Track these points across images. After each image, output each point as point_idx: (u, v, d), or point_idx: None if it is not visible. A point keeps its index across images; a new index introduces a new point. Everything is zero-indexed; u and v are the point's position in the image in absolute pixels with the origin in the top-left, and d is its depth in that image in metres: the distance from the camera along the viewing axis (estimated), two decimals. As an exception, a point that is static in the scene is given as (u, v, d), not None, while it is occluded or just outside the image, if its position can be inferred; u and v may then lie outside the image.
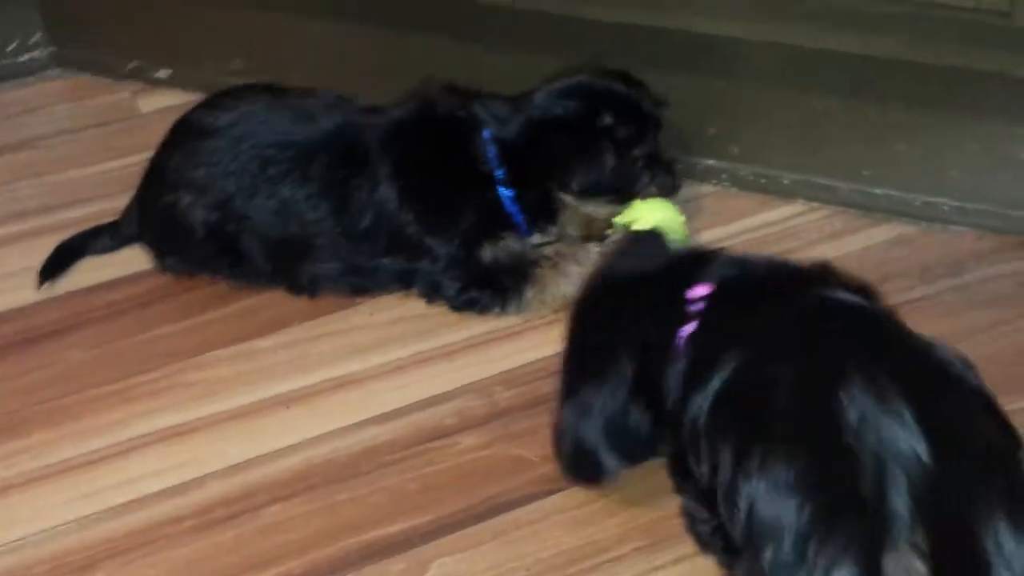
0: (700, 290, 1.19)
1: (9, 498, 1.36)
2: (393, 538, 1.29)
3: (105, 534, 1.31)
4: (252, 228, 1.55)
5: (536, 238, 1.60)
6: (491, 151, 1.55)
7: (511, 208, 1.56)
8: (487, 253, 1.56)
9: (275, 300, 1.61)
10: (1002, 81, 1.49)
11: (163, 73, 2.02)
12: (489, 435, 1.40)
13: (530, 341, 1.52)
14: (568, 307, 1.37)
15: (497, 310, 1.56)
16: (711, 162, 1.73)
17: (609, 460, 1.25)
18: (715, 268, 1.22)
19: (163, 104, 1.98)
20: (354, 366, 1.51)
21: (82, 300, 1.63)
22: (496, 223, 1.56)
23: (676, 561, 1.24)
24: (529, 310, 1.56)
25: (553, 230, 1.60)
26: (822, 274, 1.18)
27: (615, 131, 1.54)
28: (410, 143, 1.55)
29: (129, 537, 1.30)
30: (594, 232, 1.58)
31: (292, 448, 1.40)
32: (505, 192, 1.56)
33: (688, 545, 1.25)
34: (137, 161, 1.83)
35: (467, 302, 1.56)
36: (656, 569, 1.24)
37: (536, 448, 1.37)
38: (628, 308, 1.25)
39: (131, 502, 1.34)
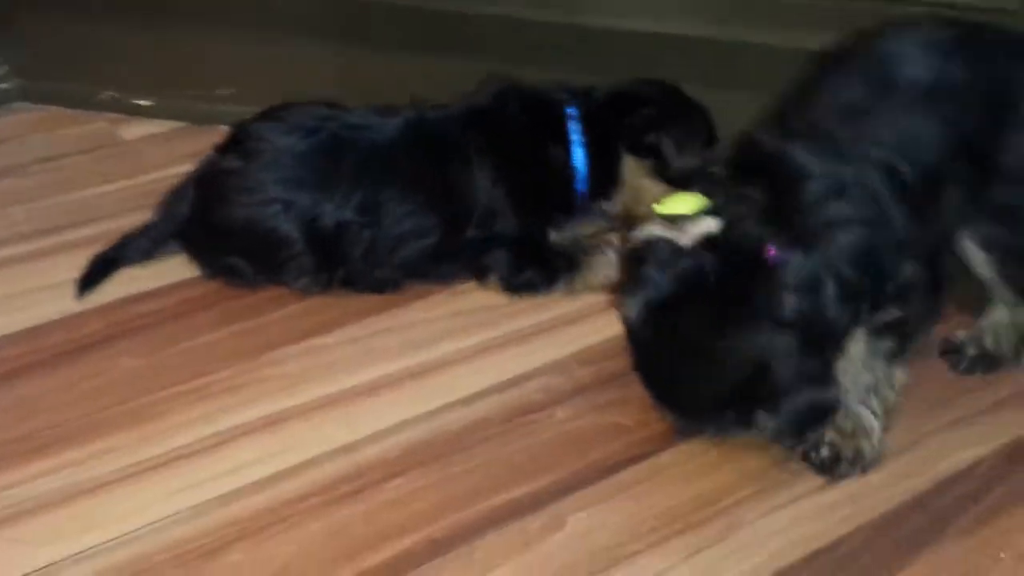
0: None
1: (111, 493, 1.30)
2: (520, 501, 1.31)
3: (228, 517, 1.27)
4: (351, 231, 1.57)
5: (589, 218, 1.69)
6: (574, 126, 1.63)
7: (581, 184, 1.64)
8: (552, 236, 1.62)
9: (324, 304, 1.61)
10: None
11: (144, 101, 1.99)
12: (580, 406, 1.45)
13: (592, 325, 1.58)
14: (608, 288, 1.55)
15: (544, 289, 1.63)
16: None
17: None
18: None
19: (146, 132, 1.95)
20: (425, 355, 1.52)
21: (123, 310, 1.58)
22: (566, 204, 1.63)
23: (793, 500, 1.32)
24: (573, 290, 1.64)
25: (610, 204, 1.68)
26: None
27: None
28: (492, 125, 1.61)
29: (257, 517, 1.27)
30: (639, 210, 1.65)
31: (391, 430, 1.40)
32: (580, 166, 1.64)
33: (800, 486, 1.33)
34: (132, 185, 1.82)
35: (523, 282, 1.63)
36: (777, 508, 1.31)
37: (629, 415, 1.43)
38: None
39: (245, 487, 1.31)
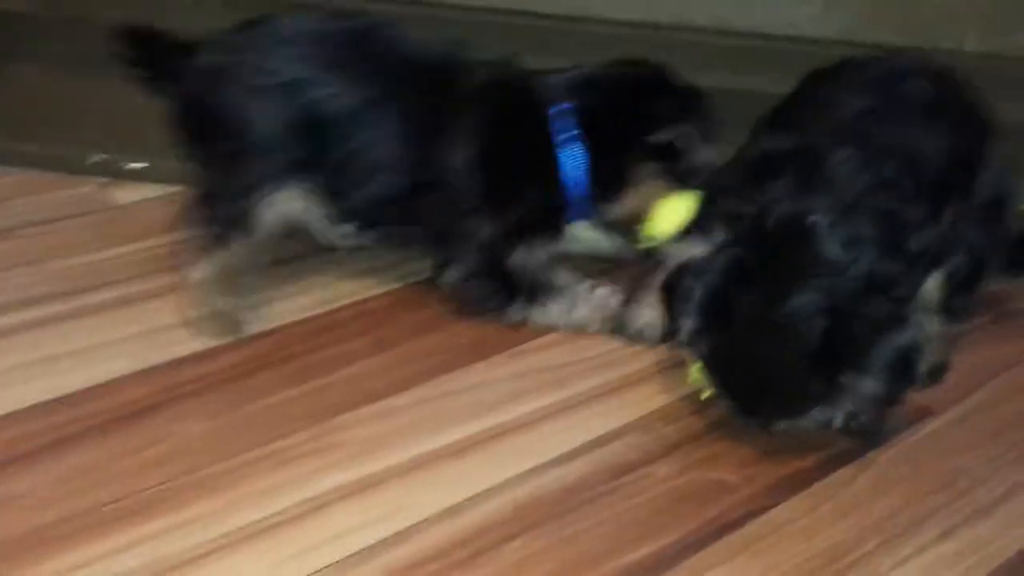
0: None
1: (203, 568, 1.17)
2: (645, 561, 1.24)
3: (350, 587, 1.14)
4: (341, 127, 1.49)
5: (581, 227, 1.61)
6: (563, 124, 1.53)
7: (576, 186, 1.54)
8: (519, 255, 1.55)
9: (386, 364, 1.50)
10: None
11: (136, 165, 1.85)
12: (678, 464, 1.39)
13: (662, 383, 1.52)
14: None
15: (493, 311, 1.57)
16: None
17: None
18: None
19: (141, 195, 1.82)
20: (502, 416, 1.44)
21: (167, 375, 1.43)
22: (552, 219, 1.57)
23: (918, 551, 1.29)
24: (535, 320, 1.58)
25: (615, 209, 1.58)
26: None
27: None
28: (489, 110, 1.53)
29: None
30: (638, 217, 1.58)
31: (491, 491, 1.31)
32: (574, 165, 1.54)
33: (919, 536, 1.30)
34: (137, 249, 1.70)
35: (475, 294, 1.56)
36: (905, 559, 1.28)
37: (731, 471, 1.38)
38: None
39: (354, 555, 1.19)
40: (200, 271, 1.52)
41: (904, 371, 1.31)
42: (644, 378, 1.54)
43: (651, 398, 1.50)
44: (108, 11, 1.71)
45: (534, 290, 1.58)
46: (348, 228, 1.57)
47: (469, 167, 1.51)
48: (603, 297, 1.60)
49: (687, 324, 1.36)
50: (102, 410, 1.37)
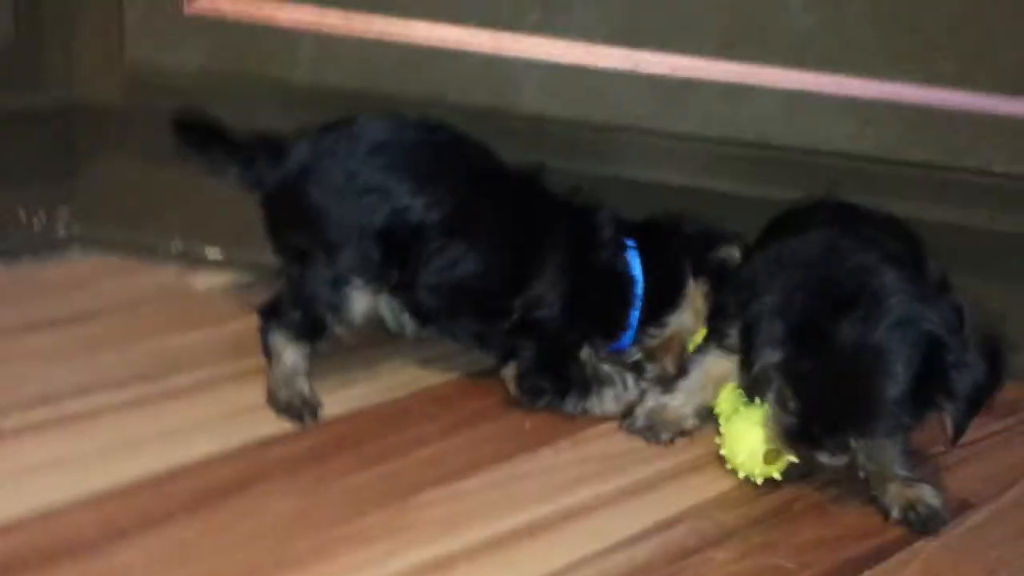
0: None
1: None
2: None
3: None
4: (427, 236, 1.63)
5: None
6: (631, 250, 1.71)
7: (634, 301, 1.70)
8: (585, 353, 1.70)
9: (457, 448, 1.59)
10: None
11: (213, 253, 1.96)
12: (737, 550, 1.47)
13: (714, 473, 1.60)
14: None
15: (550, 401, 1.68)
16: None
17: None
18: None
19: (217, 282, 1.92)
20: (568, 500, 1.52)
21: (253, 455, 1.52)
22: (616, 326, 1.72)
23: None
24: (592, 411, 1.69)
25: (670, 320, 1.73)
26: None
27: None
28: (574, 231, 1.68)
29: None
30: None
31: (560, 572, 1.38)
32: (638, 289, 1.70)
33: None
34: (217, 333, 1.78)
35: (534, 386, 1.68)
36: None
37: (788, 557, 1.46)
38: None
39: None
40: (289, 359, 1.62)
41: (989, 393, 1.46)
42: (699, 466, 1.63)
43: (708, 485, 1.58)
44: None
45: (587, 383, 1.69)
46: (419, 323, 1.68)
47: (559, 294, 1.65)
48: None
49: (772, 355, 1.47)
50: (194, 488, 1.45)
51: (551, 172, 1.70)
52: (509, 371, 1.70)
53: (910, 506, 1.53)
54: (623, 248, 1.71)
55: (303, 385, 1.63)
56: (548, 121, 1.79)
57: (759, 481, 1.56)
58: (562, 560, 1.40)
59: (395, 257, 1.59)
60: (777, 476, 1.56)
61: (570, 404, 1.68)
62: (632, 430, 1.67)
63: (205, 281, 1.93)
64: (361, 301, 1.60)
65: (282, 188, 1.61)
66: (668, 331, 1.75)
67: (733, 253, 1.70)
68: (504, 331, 1.67)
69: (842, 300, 1.42)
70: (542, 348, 1.66)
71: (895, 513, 1.53)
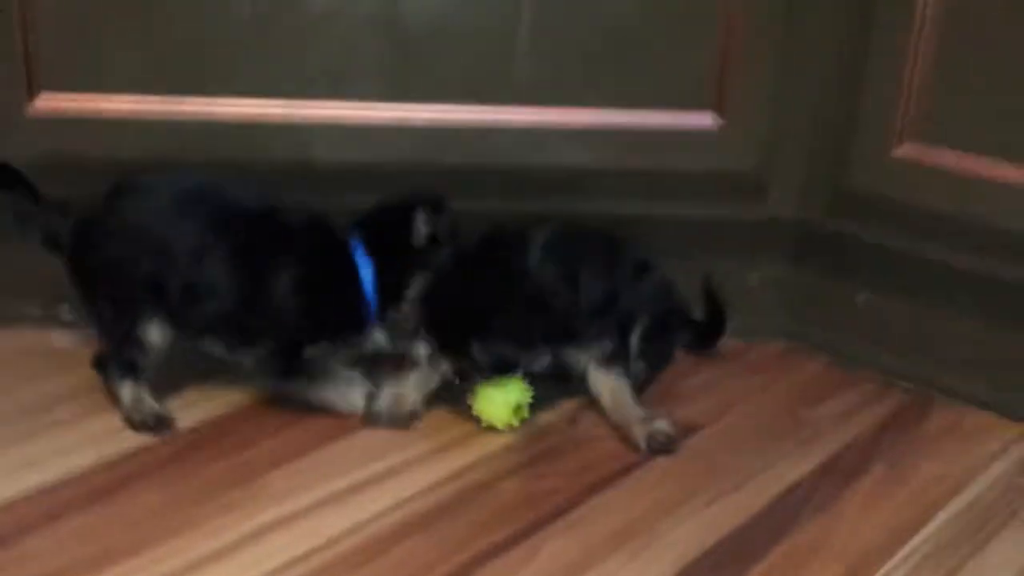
0: None
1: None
2: (500, 544, 1.73)
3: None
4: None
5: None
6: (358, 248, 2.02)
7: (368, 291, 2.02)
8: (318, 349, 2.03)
9: (292, 438, 1.99)
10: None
11: (68, 316, 2.28)
12: (519, 481, 1.91)
13: (496, 434, 2.04)
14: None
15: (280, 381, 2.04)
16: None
17: None
18: None
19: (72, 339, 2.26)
20: (383, 464, 1.93)
21: (128, 462, 1.88)
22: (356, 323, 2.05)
23: (692, 513, 1.83)
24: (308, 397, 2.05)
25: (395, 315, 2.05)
26: None
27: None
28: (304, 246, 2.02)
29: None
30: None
31: (388, 509, 1.79)
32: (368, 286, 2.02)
33: (698, 500, 1.84)
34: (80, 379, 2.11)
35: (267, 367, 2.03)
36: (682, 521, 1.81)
37: (559, 480, 1.90)
38: None
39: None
40: (127, 394, 1.97)
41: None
42: (474, 433, 2.03)
43: (488, 441, 2.01)
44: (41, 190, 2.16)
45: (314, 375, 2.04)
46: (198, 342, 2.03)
47: (291, 290, 1.98)
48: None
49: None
50: (79, 491, 1.80)
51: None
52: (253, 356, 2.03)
53: (651, 437, 1.99)
54: (347, 249, 2.01)
55: (151, 406, 1.97)
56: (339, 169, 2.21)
57: (505, 428, 2.01)
58: (385, 504, 1.81)
59: (164, 295, 1.94)
60: (516, 424, 2.02)
61: (294, 384, 2.03)
62: (376, 423, 2.02)
63: (63, 339, 2.26)
64: (156, 335, 1.96)
65: (74, 245, 1.97)
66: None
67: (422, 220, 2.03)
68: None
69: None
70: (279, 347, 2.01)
71: (642, 445, 1.99)
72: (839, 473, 1.96)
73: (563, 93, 2.20)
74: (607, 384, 2.06)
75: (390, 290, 2.03)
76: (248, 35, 2.12)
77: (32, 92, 2.12)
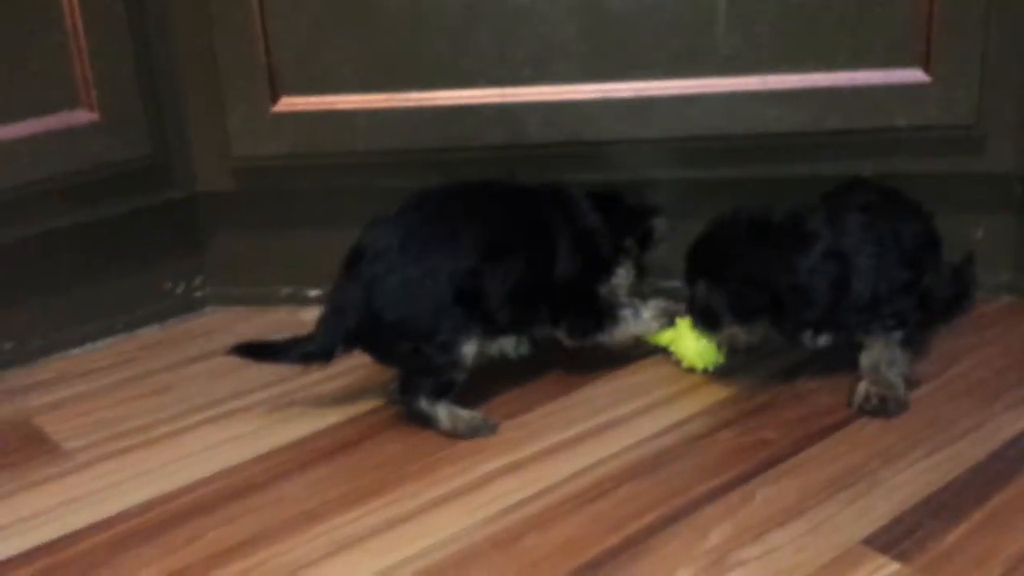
0: None
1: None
2: (718, 488, 1.80)
3: (521, 518, 1.75)
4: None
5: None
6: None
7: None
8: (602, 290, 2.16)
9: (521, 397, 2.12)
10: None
11: (313, 292, 2.51)
12: (734, 431, 1.97)
13: (715, 386, 2.11)
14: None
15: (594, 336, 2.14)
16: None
17: None
18: None
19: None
20: (607, 416, 2.03)
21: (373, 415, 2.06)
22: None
23: (911, 464, 1.83)
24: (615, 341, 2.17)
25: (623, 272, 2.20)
26: None
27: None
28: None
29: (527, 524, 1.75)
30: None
31: (608, 458, 1.89)
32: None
33: (915, 454, 1.85)
34: None
35: (581, 329, 2.13)
36: (900, 471, 1.82)
37: (771, 433, 1.95)
38: None
39: (518, 501, 1.79)
40: (443, 416, 2.00)
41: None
42: (702, 384, 2.13)
43: (711, 395, 2.08)
44: (287, 183, 2.43)
45: (613, 313, 2.15)
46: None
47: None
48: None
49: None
50: (326, 444, 1.99)
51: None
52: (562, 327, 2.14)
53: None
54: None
55: (470, 415, 2.02)
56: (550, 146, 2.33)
57: (710, 369, 2.11)
58: (609, 451, 1.91)
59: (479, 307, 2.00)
60: (714, 366, 2.12)
61: (605, 335, 2.14)
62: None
63: (309, 315, 2.46)
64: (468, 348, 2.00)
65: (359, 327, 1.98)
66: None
67: (661, 224, 2.21)
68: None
69: None
70: (575, 305, 2.12)
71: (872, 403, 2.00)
72: (1068, 423, 1.92)
73: (763, 60, 2.23)
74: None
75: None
76: (459, 30, 2.27)
77: (275, 97, 2.34)
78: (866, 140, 2.27)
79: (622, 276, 2.20)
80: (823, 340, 2.03)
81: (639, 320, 2.18)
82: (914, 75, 2.20)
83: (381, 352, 2.04)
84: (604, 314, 2.14)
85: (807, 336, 2.02)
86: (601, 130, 2.30)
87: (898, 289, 1.99)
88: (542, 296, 2.08)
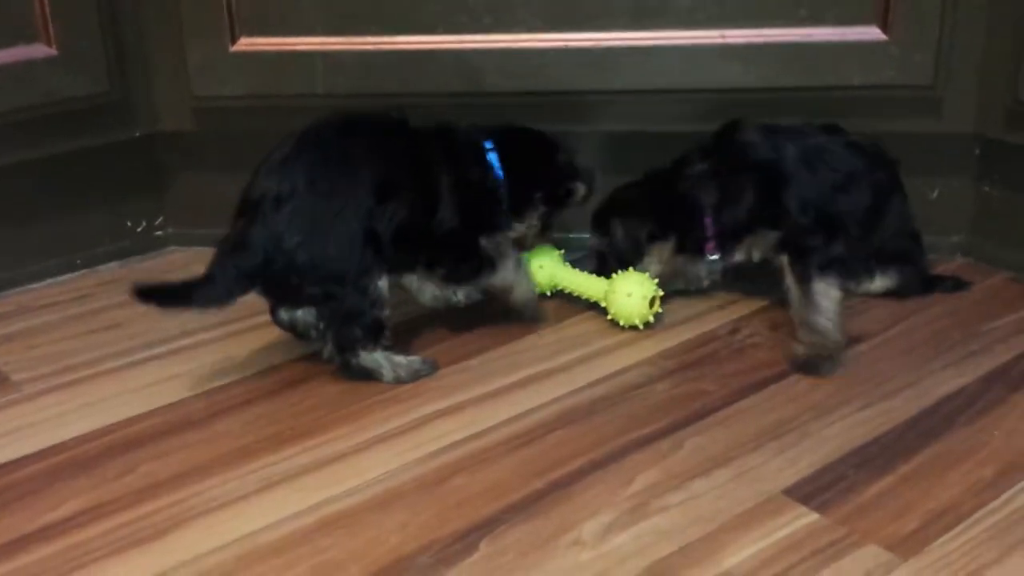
0: None
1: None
2: (653, 434, 1.82)
3: (449, 460, 1.77)
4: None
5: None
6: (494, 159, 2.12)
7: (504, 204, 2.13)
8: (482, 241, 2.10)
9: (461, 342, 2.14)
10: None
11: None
12: (672, 382, 1.98)
13: (664, 335, 2.13)
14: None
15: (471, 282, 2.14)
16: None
17: None
18: None
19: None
20: (549, 364, 2.05)
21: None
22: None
23: (842, 418, 1.85)
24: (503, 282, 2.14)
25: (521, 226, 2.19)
26: None
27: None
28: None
29: (465, 459, 1.77)
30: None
31: (546, 404, 1.92)
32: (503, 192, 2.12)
33: (847, 409, 1.87)
34: None
35: (459, 275, 2.12)
36: (831, 423, 1.84)
37: (710, 384, 1.97)
38: None
39: (450, 444, 1.82)
40: (384, 365, 2.01)
41: None
42: (649, 335, 2.14)
43: (654, 346, 2.10)
44: (247, 124, 2.43)
45: (492, 259, 2.11)
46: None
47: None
48: None
49: None
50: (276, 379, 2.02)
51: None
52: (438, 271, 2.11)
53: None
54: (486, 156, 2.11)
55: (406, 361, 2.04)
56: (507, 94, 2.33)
57: (641, 326, 2.13)
58: (542, 399, 1.93)
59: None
60: (651, 320, 2.14)
61: (484, 278, 2.11)
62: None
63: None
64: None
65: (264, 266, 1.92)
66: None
67: (581, 188, 2.20)
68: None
69: None
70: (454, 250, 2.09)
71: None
72: (1005, 382, 1.94)
73: (724, 14, 2.23)
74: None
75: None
76: (421, -25, 2.28)
77: (234, 37, 2.34)
78: (824, 98, 2.27)
79: (519, 230, 2.19)
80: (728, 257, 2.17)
81: (520, 272, 2.15)
82: (871, 32, 2.20)
83: (287, 293, 2.00)
84: (484, 262, 2.10)
85: (711, 251, 2.17)
86: (559, 80, 2.30)
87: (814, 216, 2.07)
88: (423, 241, 2.06)
